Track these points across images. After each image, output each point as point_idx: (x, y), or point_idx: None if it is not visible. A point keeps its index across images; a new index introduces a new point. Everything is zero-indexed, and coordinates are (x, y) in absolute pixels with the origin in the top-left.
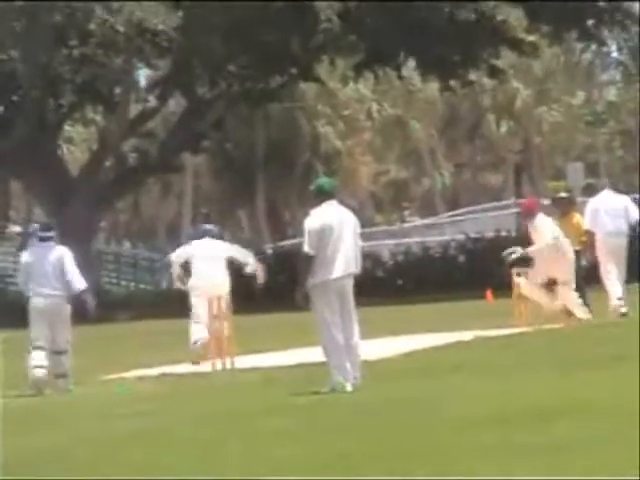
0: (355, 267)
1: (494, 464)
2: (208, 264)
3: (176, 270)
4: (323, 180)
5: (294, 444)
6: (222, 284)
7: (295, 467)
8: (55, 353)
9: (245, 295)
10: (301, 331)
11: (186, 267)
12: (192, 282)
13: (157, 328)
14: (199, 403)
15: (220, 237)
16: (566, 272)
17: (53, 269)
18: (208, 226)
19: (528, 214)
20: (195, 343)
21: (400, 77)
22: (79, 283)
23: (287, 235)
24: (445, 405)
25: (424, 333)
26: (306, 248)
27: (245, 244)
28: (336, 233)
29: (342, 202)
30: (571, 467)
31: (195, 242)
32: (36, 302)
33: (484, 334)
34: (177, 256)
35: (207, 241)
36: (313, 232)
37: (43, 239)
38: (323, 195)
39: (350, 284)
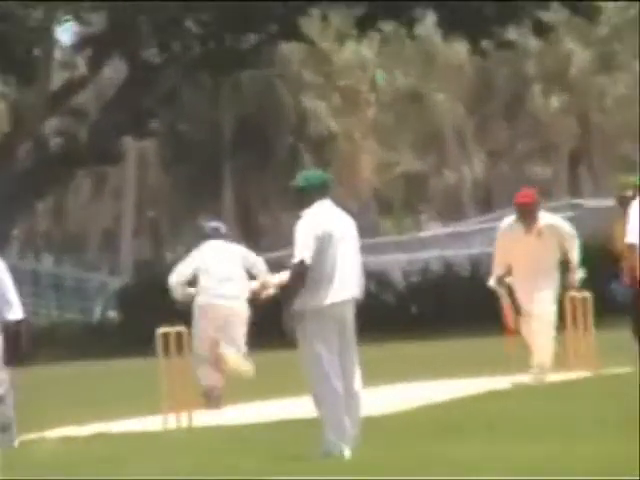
0: (357, 290)
1: None
2: (221, 277)
3: (180, 292)
4: (311, 173)
5: None
6: (242, 308)
7: None
8: None
9: None
10: (280, 376)
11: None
12: (199, 303)
13: (88, 371)
14: (132, 470)
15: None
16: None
17: None
18: (215, 224)
19: (529, 212)
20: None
21: (413, 36)
22: (18, 309)
23: (265, 246)
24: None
25: (446, 379)
26: (302, 255)
27: None
28: (335, 245)
29: (337, 204)
30: None
31: (204, 247)
32: None
33: (526, 381)
34: (179, 274)
35: (219, 244)
36: (314, 238)
37: None
38: (311, 193)
39: (350, 313)
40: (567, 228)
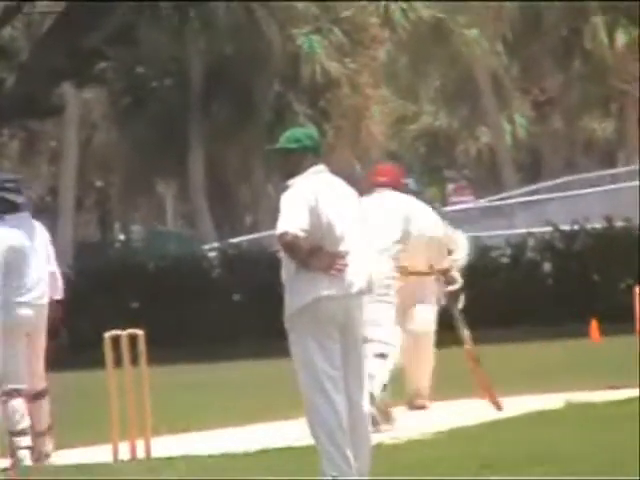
0: (367, 283)
1: None
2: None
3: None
4: (301, 131)
5: None
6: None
7: None
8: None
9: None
10: (267, 391)
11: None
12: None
13: None
14: None
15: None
16: None
17: (38, 258)
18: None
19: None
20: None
21: None
22: (59, 287)
23: (244, 226)
24: None
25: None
26: (286, 226)
27: (175, 240)
28: (334, 223)
29: (338, 171)
30: None
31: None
32: (19, 315)
33: (584, 398)
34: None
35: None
36: (308, 210)
37: (17, 207)
38: (303, 157)
39: (356, 312)
40: None
